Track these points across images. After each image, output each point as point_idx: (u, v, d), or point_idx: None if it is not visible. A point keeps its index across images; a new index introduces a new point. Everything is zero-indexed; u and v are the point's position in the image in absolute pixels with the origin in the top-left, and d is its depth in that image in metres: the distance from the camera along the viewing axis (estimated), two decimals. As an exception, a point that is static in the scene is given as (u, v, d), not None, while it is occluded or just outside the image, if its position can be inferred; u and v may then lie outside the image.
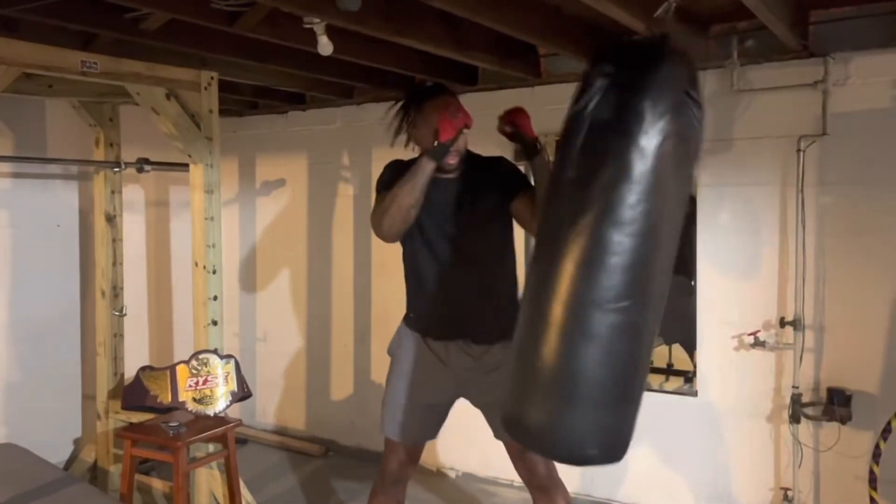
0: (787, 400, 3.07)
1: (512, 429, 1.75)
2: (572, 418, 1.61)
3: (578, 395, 1.59)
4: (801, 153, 3.00)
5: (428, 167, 2.24)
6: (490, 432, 2.45)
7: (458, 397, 2.48)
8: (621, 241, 1.52)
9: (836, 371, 3.03)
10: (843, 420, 2.95)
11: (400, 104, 2.46)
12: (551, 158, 2.09)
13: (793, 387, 3.05)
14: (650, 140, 1.50)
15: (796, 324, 3.05)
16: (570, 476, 3.55)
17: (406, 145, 2.46)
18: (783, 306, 3.12)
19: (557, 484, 2.46)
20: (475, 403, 2.47)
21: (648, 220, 1.53)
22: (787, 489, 3.12)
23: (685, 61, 1.60)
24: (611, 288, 1.54)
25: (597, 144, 1.56)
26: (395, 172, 2.35)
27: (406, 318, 2.52)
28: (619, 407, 1.64)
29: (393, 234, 2.32)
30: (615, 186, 1.52)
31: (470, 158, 2.41)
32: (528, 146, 2.37)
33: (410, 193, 2.23)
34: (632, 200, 1.51)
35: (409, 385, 2.45)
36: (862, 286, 2.98)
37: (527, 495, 2.52)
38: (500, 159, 2.51)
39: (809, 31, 2.89)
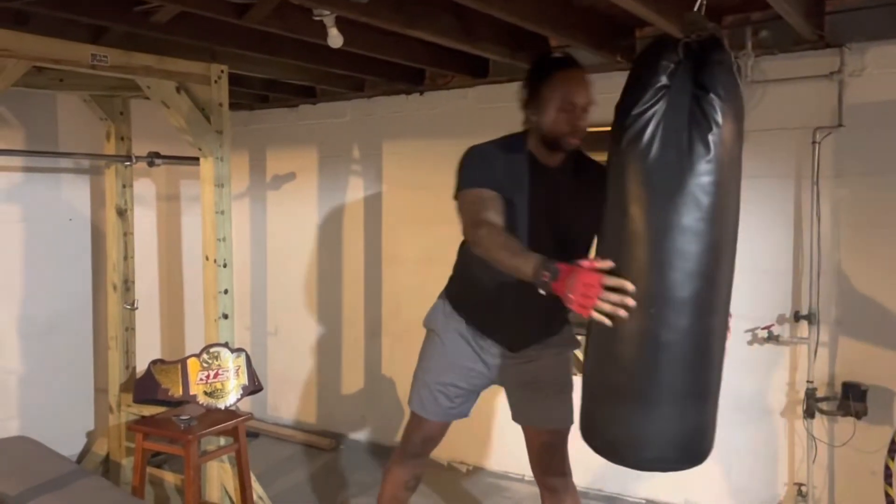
0: (802, 395, 3.04)
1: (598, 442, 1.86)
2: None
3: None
4: (817, 145, 2.97)
5: (526, 277, 1.79)
6: (499, 427, 2.43)
7: (492, 383, 2.43)
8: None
9: (851, 365, 3.00)
10: (859, 415, 2.92)
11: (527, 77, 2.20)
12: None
13: (807, 381, 3.02)
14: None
15: (811, 318, 3.02)
16: (583, 471, 3.54)
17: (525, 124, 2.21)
18: (798, 300, 3.09)
19: (570, 484, 2.43)
20: (511, 385, 2.41)
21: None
22: (801, 484, 3.10)
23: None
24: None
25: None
26: (484, 165, 2.12)
27: (453, 299, 2.39)
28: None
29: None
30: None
31: (575, 151, 2.20)
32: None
33: (503, 266, 1.88)
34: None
35: (446, 365, 2.38)
36: (877, 280, 2.94)
37: (538, 490, 2.50)
38: (600, 165, 2.06)
39: (825, 20, 2.84)
